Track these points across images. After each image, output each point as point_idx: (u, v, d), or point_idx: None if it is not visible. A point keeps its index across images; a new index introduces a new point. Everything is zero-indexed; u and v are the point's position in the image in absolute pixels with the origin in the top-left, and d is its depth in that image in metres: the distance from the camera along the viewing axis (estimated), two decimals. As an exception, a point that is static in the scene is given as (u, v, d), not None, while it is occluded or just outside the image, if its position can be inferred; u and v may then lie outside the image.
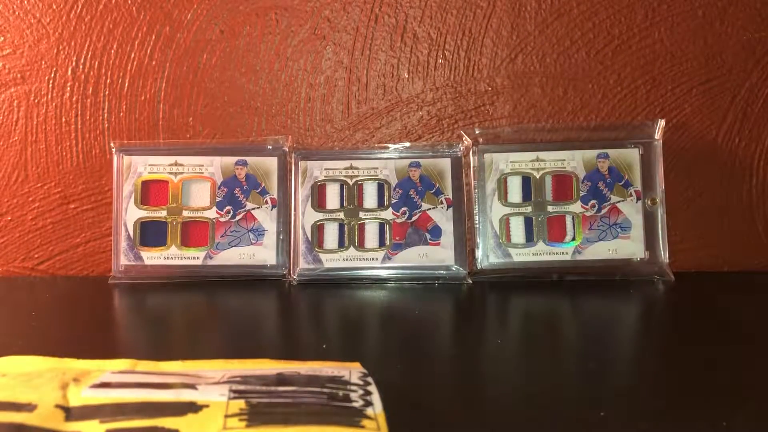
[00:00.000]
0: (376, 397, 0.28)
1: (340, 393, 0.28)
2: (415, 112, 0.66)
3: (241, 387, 0.27)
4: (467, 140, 0.62)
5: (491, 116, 0.66)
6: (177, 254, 0.61)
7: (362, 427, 0.25)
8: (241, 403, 0.25)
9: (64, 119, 0.66)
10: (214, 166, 0.62)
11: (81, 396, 0.25)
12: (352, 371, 0.31)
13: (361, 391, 0.28)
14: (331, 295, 0.56)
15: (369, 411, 0.26)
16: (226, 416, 0.24)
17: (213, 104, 0.66)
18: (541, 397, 0.33)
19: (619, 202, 0.60)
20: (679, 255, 0.67)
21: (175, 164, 0.62)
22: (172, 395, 0.26)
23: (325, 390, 0.28)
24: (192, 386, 0.27)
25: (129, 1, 0.65)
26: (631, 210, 0.60)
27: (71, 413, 0.24)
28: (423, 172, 0.61)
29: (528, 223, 0.61)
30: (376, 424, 0.25)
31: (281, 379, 0.29)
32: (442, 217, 0.61)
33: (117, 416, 0.24)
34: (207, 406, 0.25)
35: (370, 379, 0.30)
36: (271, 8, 0.66)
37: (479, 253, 0.60)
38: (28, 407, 0.23)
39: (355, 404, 0.27)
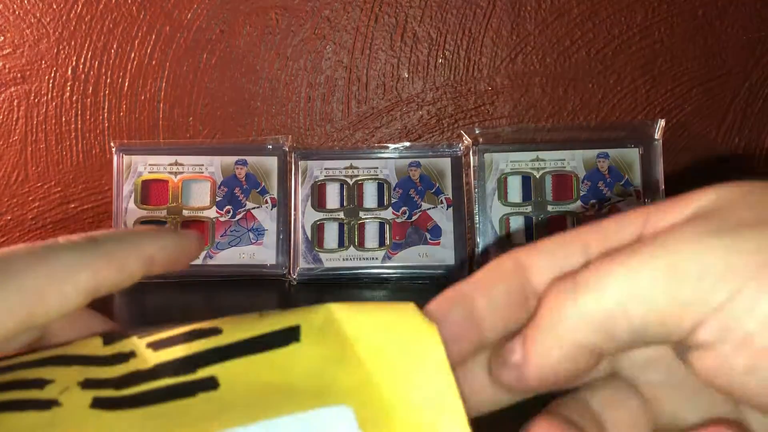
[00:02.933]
0: None
1: None
2: (415, 112, 0.66)
3: None
4: (467, 140, 0.62)
5: (491, 116, 0.66)
6: (177, 254, 0.61)
7: None
8: None
9: (64, 119, 0.66)
10: (214, 165, 0.62)
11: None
12: None
13: None
14: (331, 294, 0.56)
15: None
16: None
17: (213, 104, 0.66)
18: (541, 396, 0.33)
19: (619, 201, 0.60)
20: (679, 255, 0.66)
21: (175, 164, 0.62)
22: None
23: None
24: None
25: (129, 1, 0.65)
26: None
27: (108, 338, 0.22)
28: (423, 172, 0.61)
29: (528, 222, 0.61)
30: None
31: None
32: (442, 216, 0.61)
33: (156, 331, 0.22)
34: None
35: None
36: (271, 8, 0.66)
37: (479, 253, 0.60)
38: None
39: None
